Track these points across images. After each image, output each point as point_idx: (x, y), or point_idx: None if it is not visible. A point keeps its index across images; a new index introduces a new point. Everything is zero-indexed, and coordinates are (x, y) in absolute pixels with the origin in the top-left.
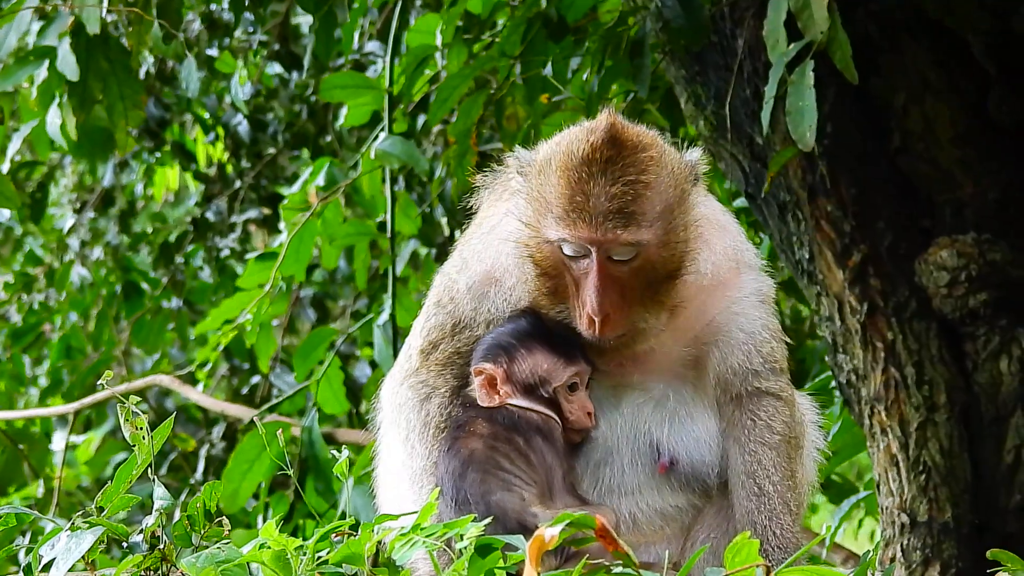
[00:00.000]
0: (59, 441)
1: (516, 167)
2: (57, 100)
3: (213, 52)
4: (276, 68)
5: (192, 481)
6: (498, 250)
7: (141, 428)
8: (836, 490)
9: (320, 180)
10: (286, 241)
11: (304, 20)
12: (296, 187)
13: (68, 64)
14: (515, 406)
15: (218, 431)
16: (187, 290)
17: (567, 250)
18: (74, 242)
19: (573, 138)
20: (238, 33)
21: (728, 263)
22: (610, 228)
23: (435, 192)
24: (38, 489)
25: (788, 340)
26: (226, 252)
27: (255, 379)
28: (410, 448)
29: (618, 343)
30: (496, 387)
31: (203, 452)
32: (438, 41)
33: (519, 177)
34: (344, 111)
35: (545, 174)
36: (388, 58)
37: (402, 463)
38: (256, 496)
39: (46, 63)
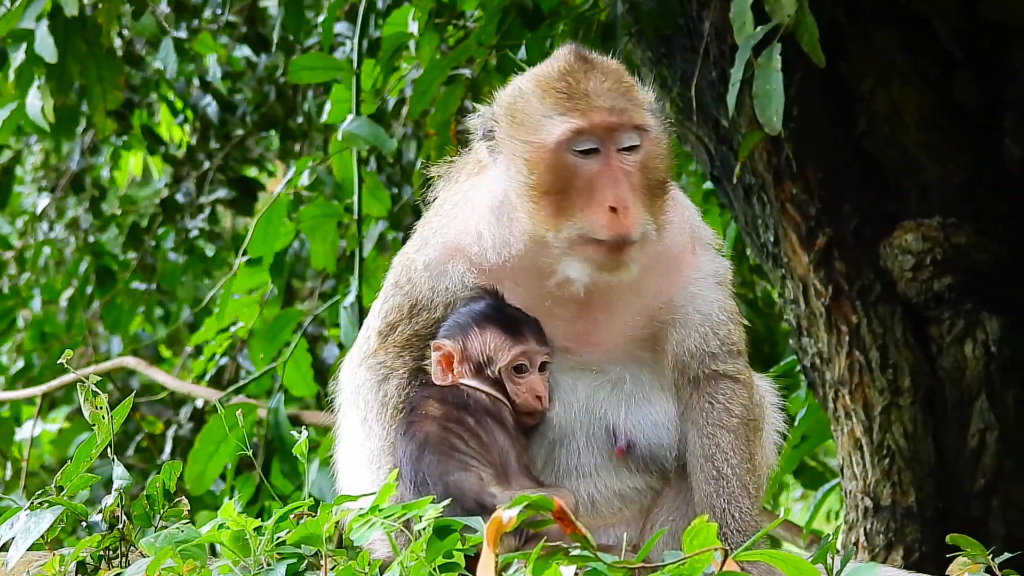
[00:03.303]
0: (27, 423)
1: (482, 124)
2: (36, 83)
3: (181, 34)
4: (244, 51)
5: (159, 462)
6: (465, 221)
7: (101, 408)
8: (811, 475)
9: (304, 180)
10: (253, 223)
11: (271, 2)
12: (280, 188)
13: (46, 46)
14: (466, 386)
15: (185, 412)
16: (157, 273)
17: (578, 145)
18: (44, 226)
19: (539, 69)
20: (206, 14)
21: (684, 238)
22: (618, 111)
23: (416, 183)
24: (6, 471)
25: (747, 323)
26: (195, 233)
27: (223, 360)
28: (368, 429)
29: (626, 257)
30: (452, 365)
31: (170, 433)
32: (412, 28)
33: (489, 129)
34: (327, 107)
35: (524, 104)
36: (356, 39)
37: (360, 444)
38: (223, 478)
39: (23, 46)
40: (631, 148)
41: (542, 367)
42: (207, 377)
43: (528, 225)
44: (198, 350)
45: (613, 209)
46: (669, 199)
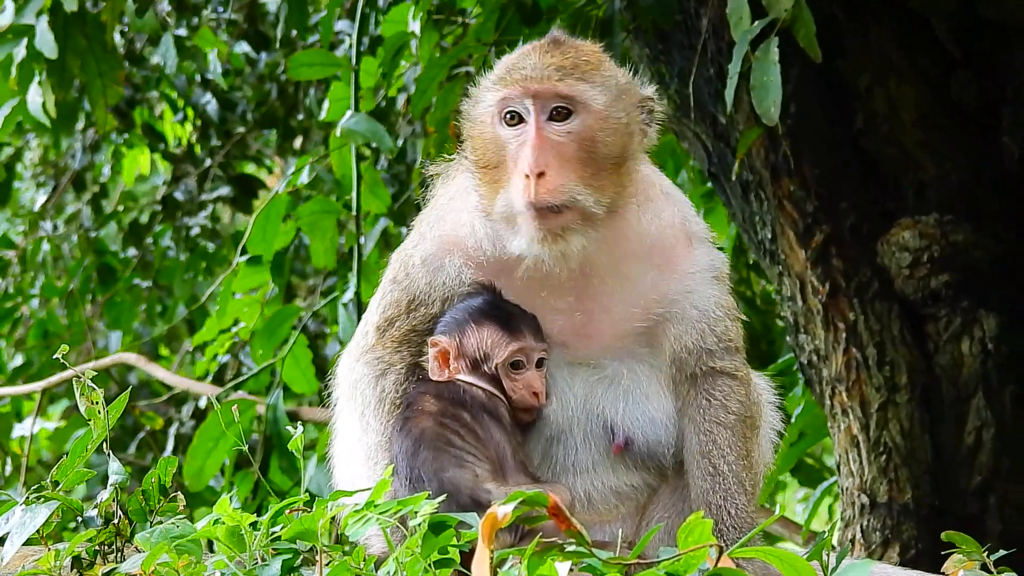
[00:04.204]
0: (27, 419)
1: (466, 108)
2: (37, 78)
3: (181, 32)
4: (244, 47)
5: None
6: (460, 214)
7: (97, 403)
8: (807, 472)
9: (304, 178)
10: (252, 219)
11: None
12: (281, 186)
13: (46, 42)
14: (463, 382)
15: (187, 410)
16: (156, 269)
17: (505, 112)
18: (47, 224)
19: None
20: (206, 12)
21: (678, 232)
22: (546, 78)
23: (416, 180)
24: (5, 466)
25: (746, 319)
26: (196, 231)
27: (224, 358)
28: (365, 424)
29: (557, 226)
30: (448, 361)
31: (172, 431)
32: (412, 27)
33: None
34: (326, 105)
35: (482, 82)
36: (355, 36)
37: (357, 439)
38: (223, 473)
39: (24, 42)
40: (563, 119)
41: (539, 363)
42: (209, 378)
43: (479, 204)
44: (200, 351)
45: (531, 178)
46: (629, 179)
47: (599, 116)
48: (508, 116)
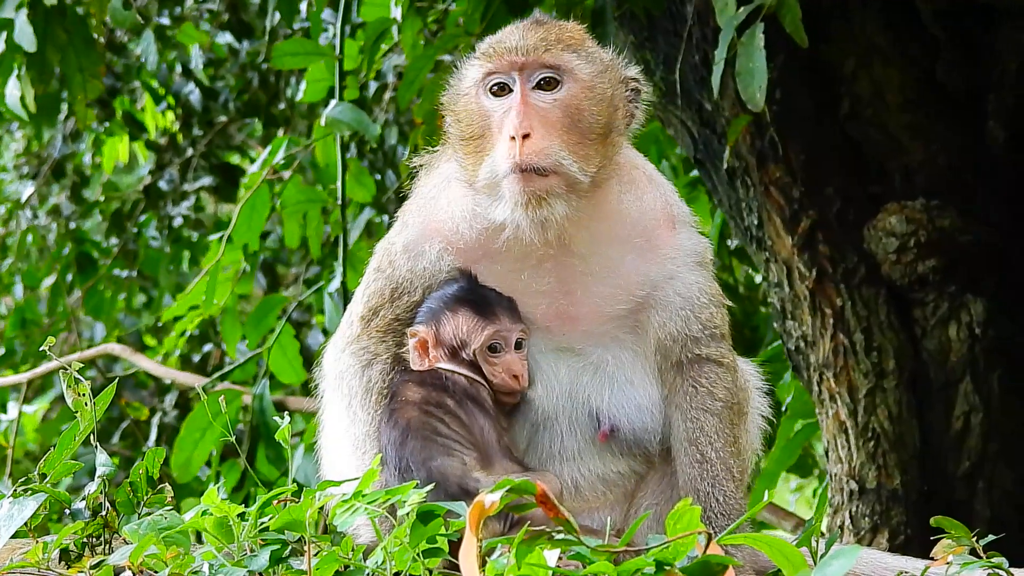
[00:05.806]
0: (11, 411)
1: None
2: (16, 72)
3: (164, 20)
4: (226, 37)
5: (144, 449)
6: (440, 200)
7: (84, 395)
8: (798, 462)
9: (279, 158)
10: (237, 208)
11: None
12: (256, 166)
13: (26, 35)
14: (444, 369)
15: (170, 399)
16: (138, 259)
17: (490, 84)
18: (28, 213)
19: None
20: (189, 2)
21: (660, 215)
22: (532, 50)
23: (405, 173)
24: None
25: (731, 304)
26: (179, 221)
27: (207, 347)
28: (352, 415)
29: (541, 188)
30: (427, 350)
31: (155, 420)
32: (394, 13)
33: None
34: (303, 86)
35: (464, 63)
36: (339, 25)
37: (344, 430)
38: (209, 464)
39: (3, 35)
40: (549, 88)
41: (518, 345)
42: (177, 352)
43: (463, 177)
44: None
45: (516, 139)
46: (614, 151)
47: (585, 85)
48: (494, 88)
